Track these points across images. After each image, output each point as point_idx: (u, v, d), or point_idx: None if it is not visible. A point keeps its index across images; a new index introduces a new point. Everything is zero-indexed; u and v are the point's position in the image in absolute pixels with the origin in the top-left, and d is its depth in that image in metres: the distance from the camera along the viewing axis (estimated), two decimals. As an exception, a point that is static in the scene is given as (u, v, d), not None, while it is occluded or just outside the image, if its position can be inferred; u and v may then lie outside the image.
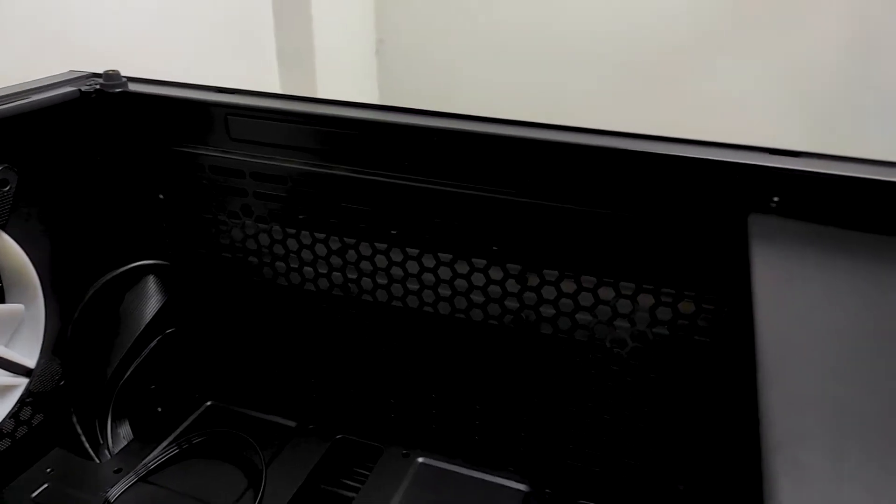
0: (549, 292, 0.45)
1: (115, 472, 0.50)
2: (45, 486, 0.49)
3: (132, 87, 0.49)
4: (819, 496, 0.20)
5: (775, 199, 0.36)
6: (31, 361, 0.46)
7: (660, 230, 0.40)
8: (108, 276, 0.51)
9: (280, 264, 0.52)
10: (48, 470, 0.50)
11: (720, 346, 0.42)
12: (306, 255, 0.51)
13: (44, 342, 0.47)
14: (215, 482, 0.49)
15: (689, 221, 0.40)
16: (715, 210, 0.39)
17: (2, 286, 0.44)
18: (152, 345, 0.54)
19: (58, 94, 0.46)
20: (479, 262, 0.46)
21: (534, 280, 0.45)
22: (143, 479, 0.49)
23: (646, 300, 0.43)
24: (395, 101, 0.49)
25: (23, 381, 0.46)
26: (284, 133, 0.46)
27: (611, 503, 0.48)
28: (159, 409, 0.56)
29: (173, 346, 0.56)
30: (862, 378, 0.25)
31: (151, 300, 0.53)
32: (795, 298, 0.30)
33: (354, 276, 0.50)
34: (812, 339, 0.27)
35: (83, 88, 0.47)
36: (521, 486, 0.49)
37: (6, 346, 0.45)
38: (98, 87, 0.48)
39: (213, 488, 0.49)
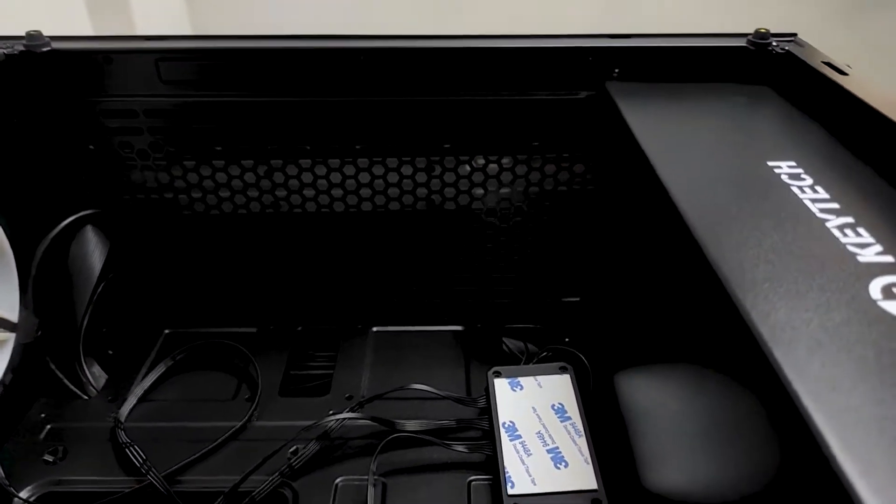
0: (449, 177, 0.58)
1: (110, 400, 0.57)
2: (49, 427, 0.54)
3: (55, 45, 0.52)
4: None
5: (616, 70, 0.51)
6: (13, 316, 0.51)
7: (538, 109, 0.54)
8: (55, 232, 0.55)
9: (211, 197, 0.59)
10: (42, 415, 0.55)
11: (599, 191, 0.57)
12: (236, 184, 0.58)
13: (15, 300, 0.52)
14: (209, 385, 0.58)
15: (559, 98, 0.53)
16: (579, 84, 0.53)
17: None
18: (100, 290, 0.60)
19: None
20: (392, 162, 0.57)
21: (437, 170, 0.57)
22: (142, 400, 0.56)
23: (544, 164, 0.57)
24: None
25: (10, 336, 0.51)
26: (214, 71, 0.53)
27: (527, 323, 0.64)
28: (110, 352, 0.62)
29: (122, 288, 0.61)
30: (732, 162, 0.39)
31: (97, 248, 0.59)
32: (662, 124, 0.44)
33: (284, 194, 0.59)
34: (688, 149, 0.41)
35: (6, 51, 0.50)
36: (458, 328, 0.64)
37: (-16, 308, 0.49)
38: (22, 48, 0.50)
39: (209, 391, 0.58)
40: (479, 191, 0.59)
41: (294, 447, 0.51)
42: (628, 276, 0.52)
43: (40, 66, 0.52)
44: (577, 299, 0.64)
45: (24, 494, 0.48)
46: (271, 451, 0.49)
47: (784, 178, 0.36)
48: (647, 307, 0.46)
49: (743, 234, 0.32)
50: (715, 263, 0.30)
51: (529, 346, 0.61)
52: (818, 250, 0.30)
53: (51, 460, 0.51)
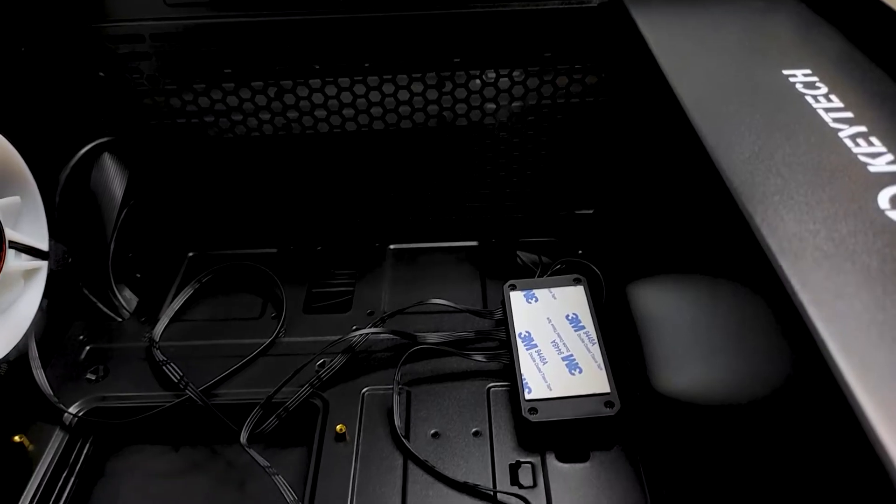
0: (461, 93, 0.57)
1: (143, 321, 0.59)
2: (88, 348, 0.57)
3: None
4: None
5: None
6: (43, 245, 0.53)
7: (550, 18, 0.53)
8: (74, 160, 0.56)
9: (224, 121, 0.59)
10: (81, 337, 0.58)
11: (612, 103, 0.57)
12: (248, 106, 0.58)
13: (44, 230, 0.53)
14: (236, 305, 0.61)
15: (571, 7, 0.52)
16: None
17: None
18: (123, 216, 0.61)
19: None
20: (402, 79, 0.56)
21: (448, 85, 0.57)
22: (173, 320, 0.59)
23: (556, 77, 0.56)
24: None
25: (43, 264, 0.53)
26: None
27: (541, 236, 0.65)
28: (138, 276, 0.65)
29: (144, 214, 0.63)
30: (746, 71, 0.39)
31: (117, 175, 0.60)
32: (676, 31, 0.44)
33: (296, 116, 0.59)
34: (702, 58, 0.41)
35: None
36: (473, 243, 0.65)
37: (16, 238, 0.51)
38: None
39: (236, 310, 0.60)
40: (491, 105, 0.58)
41: (321, 360, 0.54)
42: (640, 188, 0.52)
43: (42, -7, 0.51)
44: (591, 212, 0.65)
45: (72, 410, 0.52)
46: (300, 365, 0.52)
47: (798, 87, 0.36)
48: (658, 219, 0.47)
49: (755, 146, 0.32)
50: (726, 176, 0.30)
51: (543, 258, 0.63)
52: (829, 161, 0.31)
53: (93, 378, 0.54)
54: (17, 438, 0.49)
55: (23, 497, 0.47)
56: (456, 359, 0.54)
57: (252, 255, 0.65)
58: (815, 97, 0.35)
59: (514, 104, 0.58)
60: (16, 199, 0.50)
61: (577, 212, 0.65)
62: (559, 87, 0.57)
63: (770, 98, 0.35)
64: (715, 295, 0.36)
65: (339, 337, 0.54)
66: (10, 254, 0.49)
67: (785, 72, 0.37)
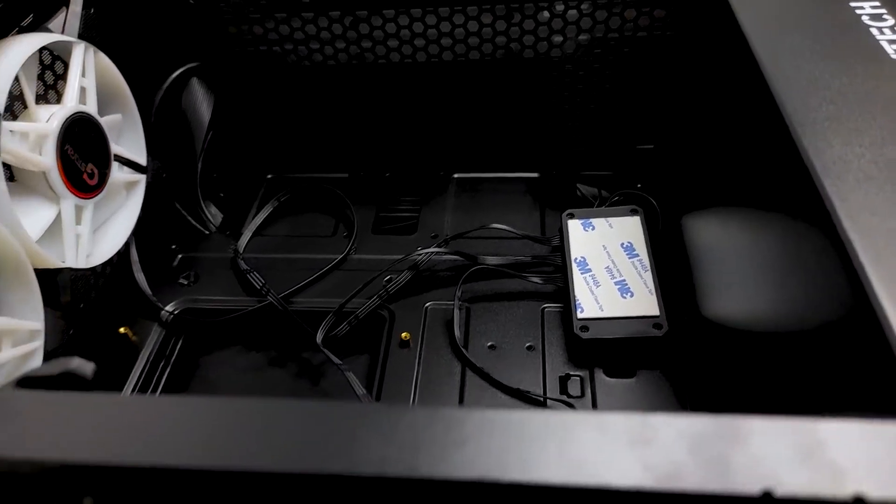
0: (528, 24, 0.59)
1: (228, 235, 0.65)
2: (180, 257, 0.63)
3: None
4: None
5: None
6: (142, 160, 0.58)
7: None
8: (167, 83, 0.61)
9: (302, 48, 0.63)
10: (173, 247, 0.64)
11: (677, 37, 0.57)
12: (324, 35, 0.61)
13: (141, 148, 0.59)
14: (311, 224, 0.66)
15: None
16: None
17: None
18: (209, 138, 0.66)
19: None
20: (472, 10, 0.58)
21: (516, 17, 0.58)
22: (255, 235, 0.65)
23: (624, 10, 0.57)
24: None
25: (142, 177, 0.58)
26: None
27: (601, 170, 0.67)
28: (221, 195, 0.70)
29: (227, 137, 0.68)
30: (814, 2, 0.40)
31: (205, 99, 0.64)
32: None
33: (369, 45, 0.62)
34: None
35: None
36: (534, 175, 0.68)
37: (118, 153, 0.56)
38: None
39: (311, 228, 0.65)
40: (558, 38, 0.59)
41: (388, 276, 0.58)
42: (701, 122, 0.53)
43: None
44: (651, 147, 0.66)
45: (168, 308, 0.58)
46: (369, 279, 0.57)
47: (865, 18, 0.36)
48: (716, 151, 0.48)
49: (814, 75, 0.33)
50: (781, 102, 0.32)
51: (603, 192, 0.65)
52: (885, 92, 0.32)
53: (185, 283, 0.61)
54: (122, 330, 0.56)
55: (128, 381, 0.54)
56: (513, 280, 0.57)
57: (325, 178, 0.70)
58: (880, 29, 0.36)
59: (580, 37, 0.59)
60: (118, 116, 0.56)
61: (637, 146, 0.67)
62: (626, 19, 0.58)
63: (835, 29, 0.36)
64: (766, 222, 0.38)
65: (404, 255, 0.58)
66: (115, 166, 0.54)
67: (853, 3, 0.38)
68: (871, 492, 0.16)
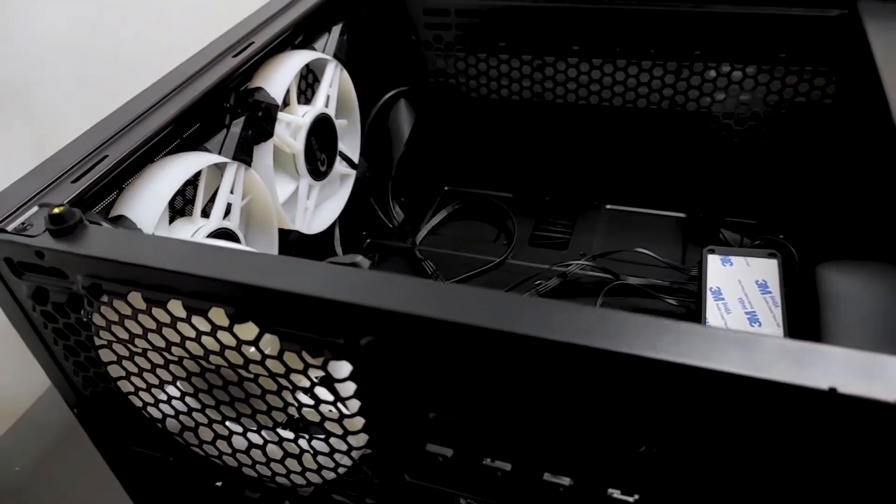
0: (695, 80, 0.67)
1: (408, 230, 0.78)
2: (368, 241, 0.77)
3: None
4: None
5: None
6: (356, 158, 0.72)
7: (790, 23, 0.60)
8: (382, 100, 0.75)
9: (493, 83, 0.75)
10: (363, 233, 0.78)
11: (834, 106, 0.63)
12: (514, 74, 0.73)
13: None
14: (477, 230, 0.77)
15: (811, 15, 0.59)
16: (832, 2, 0.58)
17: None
18: (404, 149, 0.79)
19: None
20: (646, 64, 0.67)
21: (685, 73, 0.67)
22: (430, 233, 0.77)
23: (786, 75, 0.64)
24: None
25: (353, 173, 0.72)
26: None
27: (746, 218, 0.73)
28: (403, 199, 0.83)
29: (416, 150, 0.81)
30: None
31: (408, 117, 0.78)
32: None
33: (551, 86, 0.72)
34: None
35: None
36: (681, 214, 0.75)
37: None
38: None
39: (477, 234, 0.76)
40: (721, 95, 0.67)
41: (538, 281, 0.67)
42: (849, 184, 0.58)
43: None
44: (797, 200, 0.71)
45: (355, 280, 0.71)
46: (522, 279, 0.66)
47: None
48: (858, 208, 0.53)
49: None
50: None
51: (745, 239, 0.70)
52: None
53: (371, 262, 0.73)
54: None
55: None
56: (650, 299, 0.64)
57: (493, 195, 0.81)
58: None
59: (742, 96, 0.66)
60: (345, 121, 0.70)
61: (784, 198, 0.72)
62: (787, 84, 0.64)
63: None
64: None
65: (554, 265, 0.67)
66: (338, 160, 0.68)
67: None
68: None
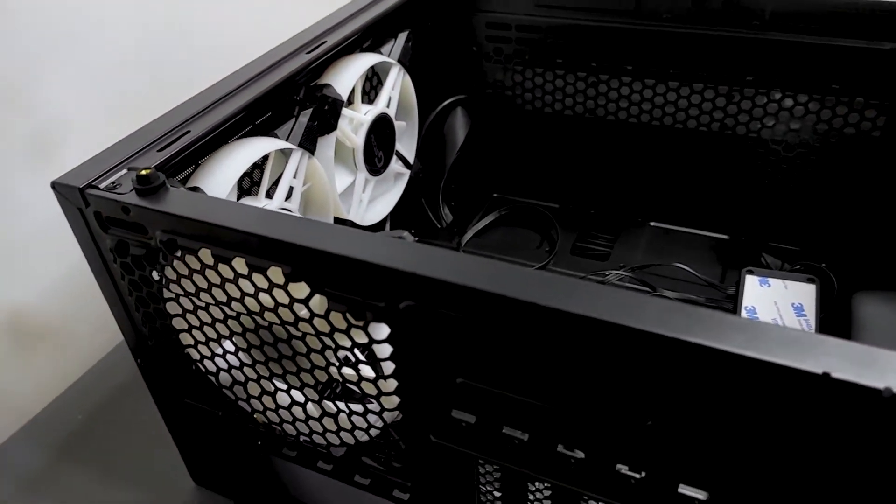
0: (746, 105, 0.68)
1: (455, 231, 0.81)
2: (416, 239, 0.80)
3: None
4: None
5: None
6: (411, 159, 0.76)
7: (844, 54, 0.61)
8: (440, 107, 0.79)
9: (548, 97, 0.78)
10: (412, 231, 0.81)
11: (883, 138, 0.64)
12: (569, 89, 0.76)
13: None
14: (521, 236, 0.80)
15: (864, 47, 0.60)
16: (886, 36, 0.59)
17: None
18: (456, 155, 0.83)
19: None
20: (698, 87, 0.69)
21: (737, 97, 0.68)
22: (475, 235, 0.80)
23: (837, 105, 0.65)
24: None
25: (407, 172, 0.76)
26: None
27: (789, 244, 0.74)
28: (452, 203, 0.86)
29: (468, 157, 0.84)
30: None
31: (463, 125, 0.81)
32: None
33: (603, 102, 0.75)
34: None
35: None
36: (724, 236, 0.76)
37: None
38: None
39: (521, 240, 0.79)
40: (771, 121, 0.68)
41: (577, 288, 0.69)
42: (894, 216, 0.59)
43: None
44: (841, 229, 0.71)
45: (401, 274, 0.74)
46: (561, 285, 0.69)
47: None
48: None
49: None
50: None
51: (785, 264, 0.71)
52: None
53: (417, 257, 0.77)
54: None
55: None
56: (685, 314, 0.65)
57: (539, 204, 0.83)
58: None
59: (791, 123, 0.67)
60: (403, 123, 0.74)
61: (827, 226, 0.72)
62: (837, 114, 0.65)
63: None
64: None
65: (593, 272, 0.69)
66: (394, 158, 0.72)
67: None
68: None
